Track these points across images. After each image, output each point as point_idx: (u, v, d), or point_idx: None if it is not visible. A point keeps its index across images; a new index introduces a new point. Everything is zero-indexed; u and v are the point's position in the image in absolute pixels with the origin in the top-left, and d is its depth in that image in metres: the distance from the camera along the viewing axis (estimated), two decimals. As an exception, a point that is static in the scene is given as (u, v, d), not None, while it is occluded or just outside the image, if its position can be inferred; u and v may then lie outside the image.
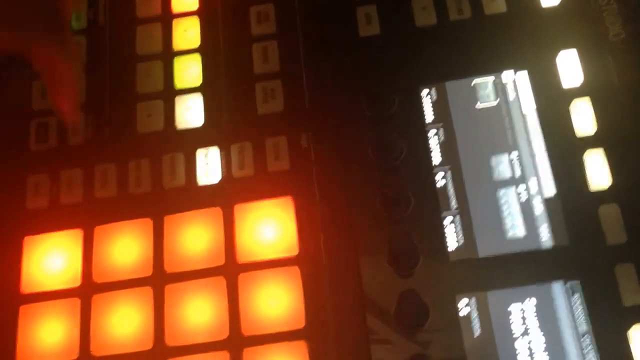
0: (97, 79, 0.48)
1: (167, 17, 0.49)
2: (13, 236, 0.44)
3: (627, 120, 0.41)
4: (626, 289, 0.38)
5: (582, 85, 0.42)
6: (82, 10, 0.49)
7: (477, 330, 0.39)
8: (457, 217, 0.41)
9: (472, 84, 0.44)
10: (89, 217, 0.44)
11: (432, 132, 0.43)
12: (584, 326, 0.38)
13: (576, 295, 0.38)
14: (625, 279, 0.38)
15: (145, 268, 0.42)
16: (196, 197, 0.44)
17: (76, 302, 0.42)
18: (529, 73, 0.43)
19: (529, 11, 0.45)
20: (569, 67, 0.43)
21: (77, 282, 0.43)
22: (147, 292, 0.42)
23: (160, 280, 0.42)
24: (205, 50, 0.47)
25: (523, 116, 0.43)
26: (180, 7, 0.49)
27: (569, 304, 0.38)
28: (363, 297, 0.40)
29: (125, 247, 0.43)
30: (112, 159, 0.45)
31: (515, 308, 0.39)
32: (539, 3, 0.45)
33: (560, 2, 0.45)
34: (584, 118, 0.42)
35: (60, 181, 0.45)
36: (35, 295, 0.43)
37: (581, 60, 0.43)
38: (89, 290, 0.42)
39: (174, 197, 0.44)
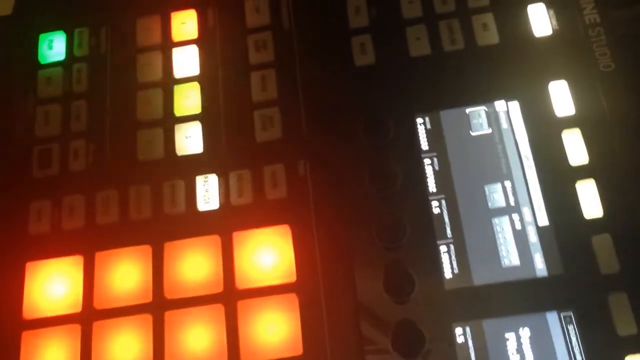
0: (98, 106, 0.48)
1: (166, 46, 0.49)
2: (15, 262, 0.44)
3: (618, 150, 0.41)
4: (620, 319, 0.38)
5: (573, 115, 0.43)
6: None
7: (473, 359, 0.39)
8: (452, 246, 0.41)
9: (467, 111, 0.44)
10: (90, 243, 0.44)
11: (427, 161, 0.43)
12: (579, 356, 0.38)
13: (571, 324, 0.38)
14: (619, 309, 0.38)
15: (145, 294, 0.43)
16: (196, 224, 0.44)
17: (77, 328, 0.42)
18: (520, 103, 0.44)
19: (521, 43, 0.45)
20: (560, 98, 0.43)
21: (78, 308, 0.43)
22: (147, 318, 0.42)
23: (160, 306, 0.42)
24: (204, 78, 0.48)
25: (516, 145, 0.43)
26: (180, 36, 0.50)
27: (564, 333, 0.38)
28: (360, 324, 0.40)
29: (126, 273, 0.43)
30: (113, 186, 0.46)
31: (511, 336, 0.39)
32: (532, 33, 0.45)
33: (553, 33, 0.45)
34: (575, 148, 0.42)
35: (62, 207, 0.45)
36: (37, 321, 0.43)
37: (572, 91, 0.43)
38: (90, 317, 0.43)
39: (173, 223, 0.44)
